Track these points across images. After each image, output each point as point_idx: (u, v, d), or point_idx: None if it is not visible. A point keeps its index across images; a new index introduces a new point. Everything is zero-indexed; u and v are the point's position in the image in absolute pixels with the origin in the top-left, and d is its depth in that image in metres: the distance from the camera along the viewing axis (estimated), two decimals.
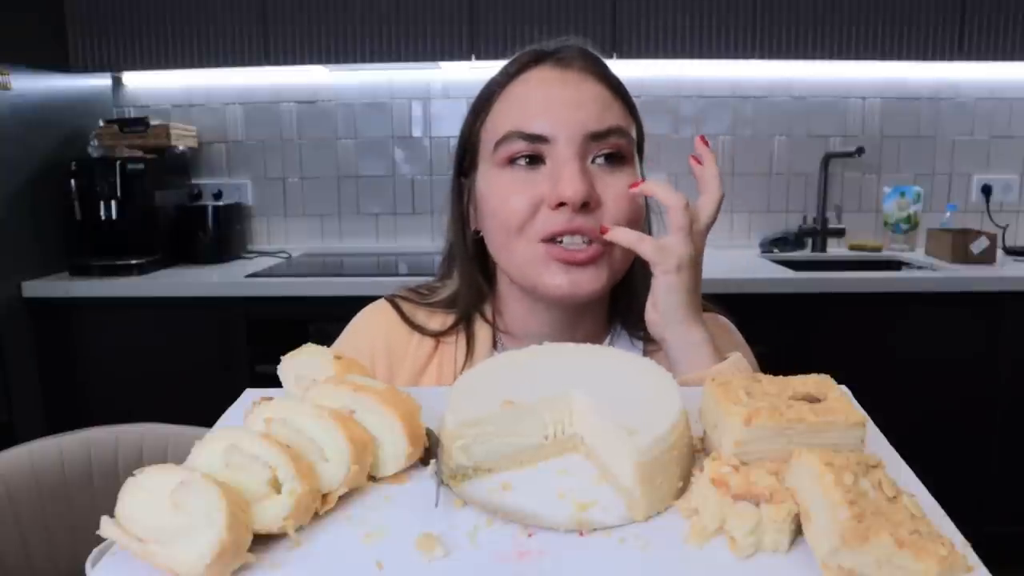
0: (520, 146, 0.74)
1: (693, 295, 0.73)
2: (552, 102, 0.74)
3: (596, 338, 0.86)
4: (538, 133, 0.74)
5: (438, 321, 0.87)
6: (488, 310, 0.87)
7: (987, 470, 2.10)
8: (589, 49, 0.81)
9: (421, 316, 0.87)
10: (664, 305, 0.72)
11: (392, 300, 0.88)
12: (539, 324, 0.83)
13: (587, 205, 0.72)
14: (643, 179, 0.79)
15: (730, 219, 2.56)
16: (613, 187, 0.74)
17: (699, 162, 0.75)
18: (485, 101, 0.80)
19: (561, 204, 0.72)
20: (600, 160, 0.74)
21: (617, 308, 0.86)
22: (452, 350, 0.85)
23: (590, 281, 0.74)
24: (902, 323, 2.03)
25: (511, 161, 0.75)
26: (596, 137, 0.74)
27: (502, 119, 0.77)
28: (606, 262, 0.75)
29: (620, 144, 0.75)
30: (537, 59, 0.78)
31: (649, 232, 0.82)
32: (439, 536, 0.44)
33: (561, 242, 0.74)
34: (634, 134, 0.79)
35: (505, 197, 0.75)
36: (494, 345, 0.86)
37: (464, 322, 0.86)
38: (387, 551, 0.44)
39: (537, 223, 0.74)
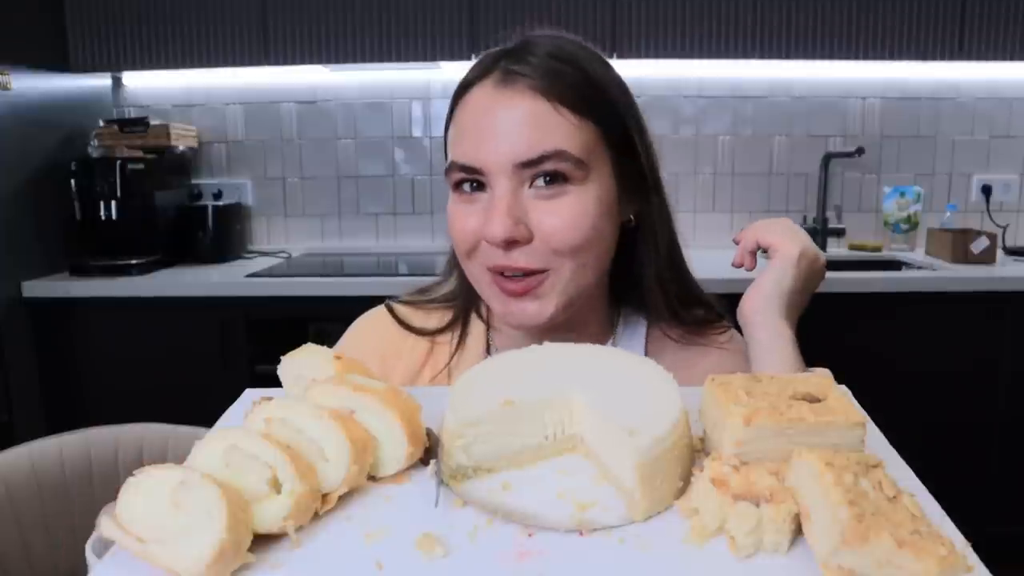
0: (460, 176, 0.74)
1: (798, 296, 0.77)
2: (484, 132, 0.72)
3: (598, 328, 0.85)
4: (472, 166, 0.72)
5: (436, 318, 0.87)
6: (484, 307, 0.87)
7: (987, 470, 2.10)
8: (544, 38, 0.76)
9: (418, 317, 0.87)
10: (770, 290, 0.75)
11: (388, 305, 0.89)
12: (528, 335, 0.82)
13: (516, 242, 0.71)
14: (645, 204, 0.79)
15: (730, 219, 2.56)
16: (549, 218, 0.71)
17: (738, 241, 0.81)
18: (448, 115, 0.79)
19: None
20: (540, 184, 0.71)
21: (624, 294, 0.85)
22: (447, 348, 0.86)
23: (535, 312, 0.74)
24: (902, 323, 2.03)
25: (457, 186, 0.75)
26: (527, 165, 0.70)
27: (450, 145, 0.77)
28: (551, 290, 0.73)
29: (558, 168, 0.70)
30: (481, 74, 0.75)
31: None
32: (439, 536, 0.44)
33: (503, 272, 0.73)
34: (591, 144, 0.72)
35: (454, 222, 0.75)
36: (487, 342, 0.86)
37: (461, 318, 0.87)
38: (387, 551, 0.44)
39: (480, 252, 0.74)
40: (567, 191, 0.71)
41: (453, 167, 0.74)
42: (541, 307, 0.74)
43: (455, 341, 0.86)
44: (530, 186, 0.71)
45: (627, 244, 0.81)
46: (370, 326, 0.88)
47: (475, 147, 0.72)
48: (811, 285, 0.79)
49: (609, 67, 0.78)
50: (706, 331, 0.85)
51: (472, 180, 0.73)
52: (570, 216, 0.71)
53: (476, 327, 0.87)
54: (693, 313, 0.84)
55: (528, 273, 0.72)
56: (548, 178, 0.71)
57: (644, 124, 0.79)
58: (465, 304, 0.87)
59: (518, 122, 0.70)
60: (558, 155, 0.70)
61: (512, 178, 0.71)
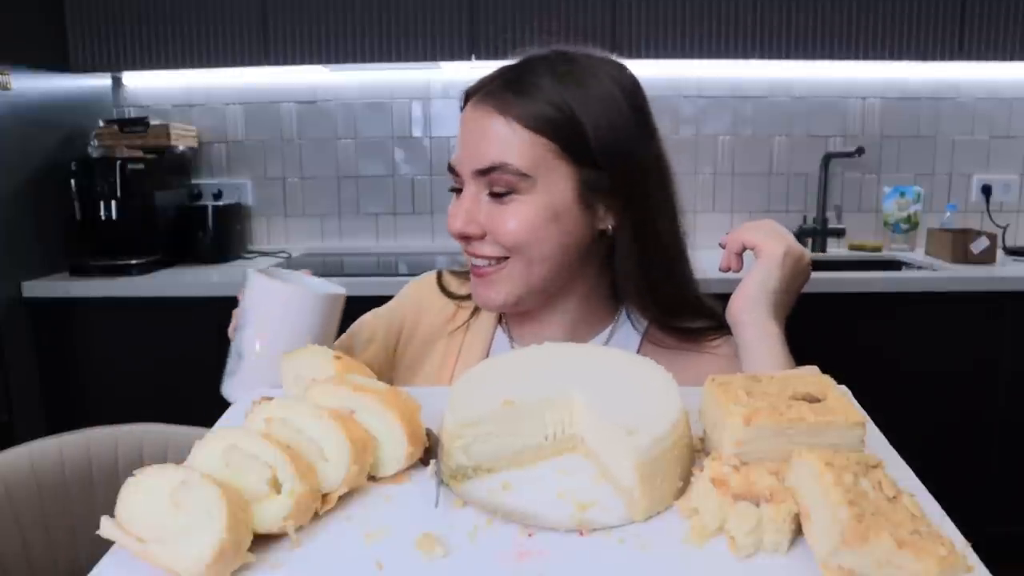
0: (450, 175, 0.85)
1: (784, 296, 0.79)
2: (462, 139, 0.83)
3: (591, 322, 0.91)
4: (453, 168, 0.84)
5: (466, 288, 0.96)
6: None
7: (987, 470, 2.10)
8: (540, 57, 0.83)
9: (455, 284, 1.00)
10: (756, 290, 0.78)
11: (439, 271, 1.03)
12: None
13: (469, 237, 0.82)
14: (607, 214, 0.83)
15: (730, 219, 2.56)
16: (494, 220, 0.81)
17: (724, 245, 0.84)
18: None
19: None
20: (496, 191, 0.80)
21: (623, 294, 0.89)
22: (467, 313, 0.97)
23: (491, 295, 0.84)
24: (902, 323, 2.03)
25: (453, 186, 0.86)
26: (481, 173, 0.80)
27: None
28: (502, 280, 0.83)
29: (503, 179, 0.79)
30: (473, 91, 0.85)
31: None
32: (439, 536, 0.44)
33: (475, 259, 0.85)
34: (538, 157, 0.78)
35: (448, 215, 0.85)
36: (500, 319, 0.95)
37: None
38: (387, 551, 0.44)
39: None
40: (513, 199, 0.80)
41: (448, 167, 0.86)
42: (496, 292, 0.84)
43: (474, 306, 0.96)
44: (489, 192, 0.81)
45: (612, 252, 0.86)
46: (420, 282, 1.04)
47: (457, 153, 0.84)
48: (796, 284, 0.81)
49: (602, 86, 0.81)
50: (698, 337, 0.88)
51: (456, 186, 0.85)
52: (513, 220, 0.80)
53: None
54: (683, 322, 0.87)
55: (491, 261, 0.83)
56: (499, 190, 0.80)
57: (627, 139, 0.81)
58: None
59: (476, 135, 0.81)
60: (501, 167, 0.79)
61: (474, 183, 0.82)
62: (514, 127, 0.79)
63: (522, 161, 0.78)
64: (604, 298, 0.91)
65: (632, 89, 0.85)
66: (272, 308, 0.73)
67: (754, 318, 0.78)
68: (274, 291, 0.73)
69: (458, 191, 0.84)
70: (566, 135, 0.79)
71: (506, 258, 0.82)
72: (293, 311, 0.73)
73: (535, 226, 0.80)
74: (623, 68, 0.87)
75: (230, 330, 0.80)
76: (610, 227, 0.83)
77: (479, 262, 0.84)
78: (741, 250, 0.82)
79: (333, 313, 0.77)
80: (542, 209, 0.79)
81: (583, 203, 0.81)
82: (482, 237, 0.82)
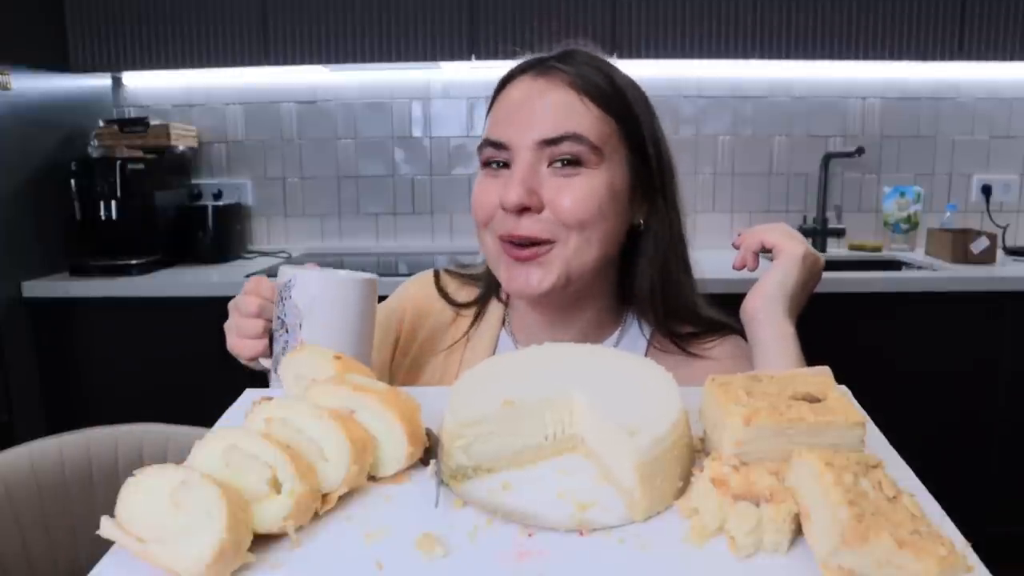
0: (489, 152, 0.82)
1: (798, 293, 0.79)
2: (517, 111, 0.81)
3: (601, 328, 0.90)
4: (499, 141, 0.81)
5: (465, 293, 0.97)
6: (503, 291, 0.92)
7: (987, 470, 2.10)
8: (584, 51, 0.85)
9: (453, 287, 0.98)
10: (772, 289, 0.78)
11: (436, 271, 1.01)
12: (535, 313, 0.90)
13: (528, 209, 0.78)
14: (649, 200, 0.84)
15: (730, 219, 2.56)
16: (561, 192, 0.78)
17: (737, 246, 0.84)
18: (489, 106, 0.87)
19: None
20: (557, 164, 0.78)
21: (631, 297, 0.89)
22: (467, 322, 0.95)
23: (537, 279, 0.80)
24: (902, 323, 2.03)
25: (486, 164, 0.83)
26: (549, 143, 0.78)
27: (487, 127, 0.85)
28: (552, 262, 0.80)
29: (575, 150, 0.78)
30: (523, 69, 0.84)
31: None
32: (439, 536, 0.44)
33: (512, 241, 0.81)
34: (607, 135, 0.80)
35: (477, 195, 0.83)
36: (503, 318, 0.94)
37: (483, 296, 0.96)
38: (387, 551, 0.44)
39: (496, 221, 0.81)
40: (580, 172, 0.79)
41: (484, 144, 0.83)
42: (544, 275, 0.80)
43: (474, 314, 0.95)
44: (548, 165, 0.79)
45: (633, 249, 0.86)
46: (417, 283, 1.00)
47: (505, 126, 0.81)
48: (811, 285, 0.82)
49: (636, 86, 0.86)
50: (695, 342, 0.88)
51: (499, 160, 0.81)
52: (580, 193, 0.78)
53: (495, 309, 0.95)
54: (684, 327, 0.88)
55: (534, 243, 0.79)
56: (565, 160, 0.78)
57: (660, 138, 0.86)
58: (487, 284, 0.96)
59: (546, 106, 0.79)
60: (576, 138, 0.78)
61: (534, 154, 0.78)
62: (586, 102, 0.79)
63: (595, 135, 0.78)
64: (615, 301, 0.90)
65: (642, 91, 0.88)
66: (335, 299, 0.74)
67: (770, 317, 0.78)
68: (332, 282, 0.74)
69: (496, 165, 0.81)
70: (626, 119, 0.81)
71: (551, 242, 0.79)
72: (354, 298, 0.74)
73: (600, 203, 0.78)
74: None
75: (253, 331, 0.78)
76: (641, 221, 0.84)
77: (524, 242, 0.80)
78: (759, 249, 0.82)
79: (376, 297, 0.78)
80: (606, 187, 0.79)
81: (632, 192, 0.82)
82: (540, 211, 0.79)
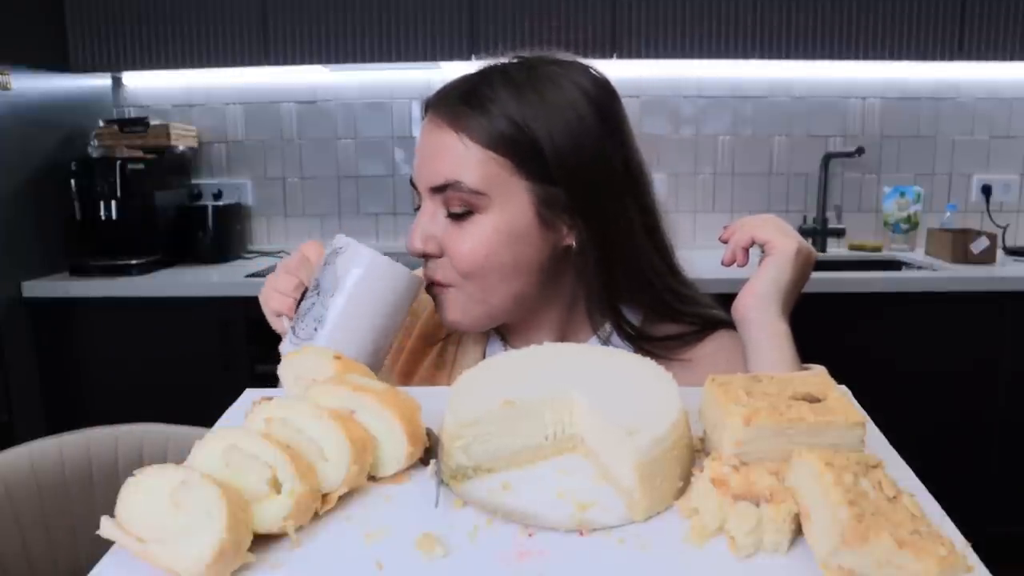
0: (412, 191, 0.83)
1: (792, 291, 0.77)
2: (418, 153, 0.81)
3: (577, 334, 0.88)
4: (413, 183, 0.82)
5: None
6: None
7: (987, 470, 2.10)
8: (491, 79, 0.78)
9: None
10: (765, 287, 0.76)
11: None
12: None
13: (428, 255, 0.79)
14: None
15: (730, 219, 2.55)
16: (453, 241, 0.78)
17: (726, 240, 0.81)
18: None
19: None
20: (454, 208, 0.77)
21: (603, 310, 0.85)
22: None
23: (458, 317, 0.81)
24: (902, 323, 2.03)
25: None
26: (436, 190, 0.78)
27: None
28: (451, 305, 0.81)
29: (458, 197, 0.76)
30: (431, 102, 0.81)
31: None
32: (439, 536, 0.44)
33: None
34: (493, 175, 0.75)
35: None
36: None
37: None
38: (387, 551, 0.44)
39: None
40: (471, 220, 0.77)
41: (410, 182, 0.83)
42: (462, 314, 0.81)
43: None
44: (447, 209, 0.78)
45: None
46: None
47: (415, 168, 0.81)
48: (804, 281, 0.79)
49: (577, 101, 0.77)
50: (680, 349, 0.84)
51: (417, 202, 0.82)
52: (471, 243, 0.77)
53: None
54: (664, 328, 0.84)
55: (441, 285, 0.80)
56: (456, 209, 0.77)
57: (605, 153, 0.78)
58: None
59: (431, 150, 0.78)
60: (454, 185, 0.76)
61: (432, 200, 0.79)
62: (467, 143, 0.75)
63: (475, 179, 0.75)
64: (593, 316, 0.86)
65: (599, 95, 0.79)
66: (375, 279, 0.71)
67: (763, 316, 0.75)
68: (380, 263, 0.71)
69: (417, 206, 0.81)
70: (521, 151, 0.75)
71: (448, 285, 0.79)
72: (394, 287, 0.72)
73: (491, 249, 0.76)
74: (589, 71, 0.81)
75: (288, 289, 0.76)
76: (573, 243, 0.79)
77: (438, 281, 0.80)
78: (749, 245, 0.79)
79: (413, 297, 0.76)
80: (499, 229, 0.76)
81: (542, 221, 0.77)
82: (440, 256, 0.79)
